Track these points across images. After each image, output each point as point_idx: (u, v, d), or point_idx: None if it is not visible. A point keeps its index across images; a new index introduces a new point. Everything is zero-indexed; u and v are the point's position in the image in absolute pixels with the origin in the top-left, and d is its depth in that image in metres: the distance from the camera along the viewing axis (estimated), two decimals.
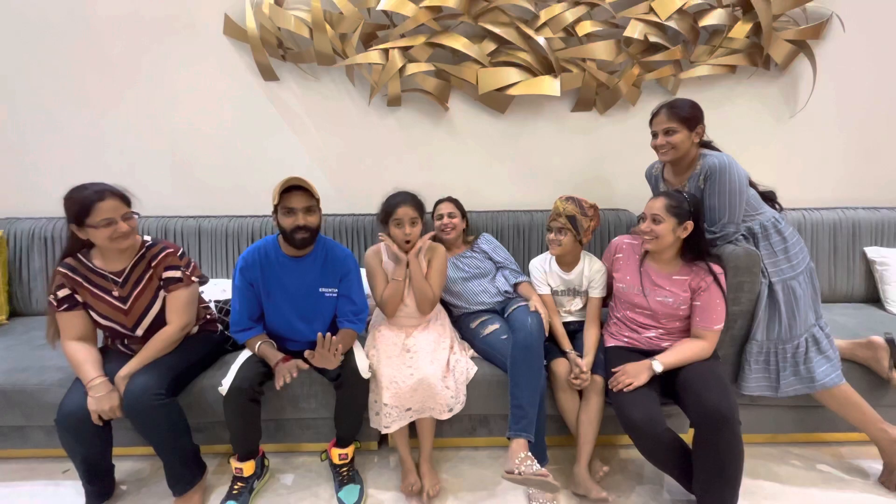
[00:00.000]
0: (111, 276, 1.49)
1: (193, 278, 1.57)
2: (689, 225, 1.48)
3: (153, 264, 1.51)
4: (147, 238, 1.55)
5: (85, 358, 1.45)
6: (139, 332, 1.53)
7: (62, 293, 1.46)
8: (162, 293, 1.53)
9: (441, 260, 1.77)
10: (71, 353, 1.46)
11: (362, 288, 1.67)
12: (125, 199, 1.45)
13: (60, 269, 1.46)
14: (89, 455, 1.45)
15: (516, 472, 1.37)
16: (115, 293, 1.49)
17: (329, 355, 1.45)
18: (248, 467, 1.54)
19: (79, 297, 1.48)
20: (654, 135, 1.64)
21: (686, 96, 1.65)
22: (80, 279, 1.47)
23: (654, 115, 1.64)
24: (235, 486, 1.54)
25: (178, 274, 1.53)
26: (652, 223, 1.49)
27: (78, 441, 1.41)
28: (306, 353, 1.47)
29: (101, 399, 1.38)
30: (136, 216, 1.46)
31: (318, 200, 1.54)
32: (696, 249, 1.51)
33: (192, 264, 1.58)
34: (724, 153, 1.60)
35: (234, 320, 1.58)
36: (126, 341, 1.55)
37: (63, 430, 1.39)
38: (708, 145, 1.67)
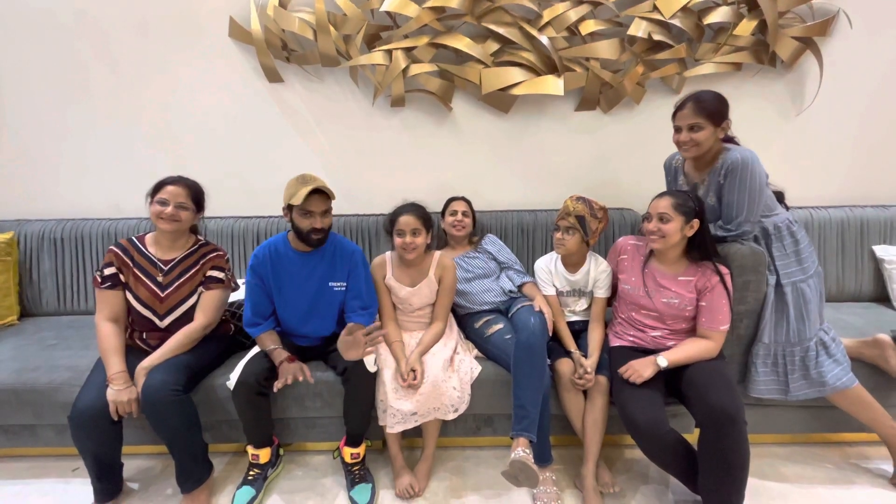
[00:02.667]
0: (159, 262, 1.58)
1: (232, 284, 1.66)
2: (696, 223, 1.47)
3: (202, 262, 1.60)
4: (202, 238, 1.66)
5: (114, 347, 1.49)
6: (166, 322, 1.58)
7: (108, 271, 1.55)
8: (199, 289, 1.60)
9: (451, 277, 1.76)
10: (103, 337, 1.50)
11: (370, 282, 1.70)
12: (193, 194, 1.58)
13: (113, 248, 1.57)
14: (101, 452, 1.47)
15: (508, 465, 1.39)
16: (159, 279, 1.56)
17: (359, 341, 1.43)
18: (263, 454, 1.58)
19: (122, 278, 1.55)
20: (678, 129, 1.56)
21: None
22: (128, 260, 1.56)
23: (679, 108, 1.56)
24: (251, 473, 1.58)
25: (221, 275, 1.62)
26: (659, 222, 1.47)
27: (90, 438, 1.43)
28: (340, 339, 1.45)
29: (121, 391, 1.42)
30: (192, 211, 1.58)
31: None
32: (702, 249, 1.50)
33: (232, 272, 1.67)
34: (747, 149, 1.54)
35: (246, 316, 1.62)
36: (146, 336, 1.59)
37: (76, 427, 1.42)
38: (731, 140, 1.61)
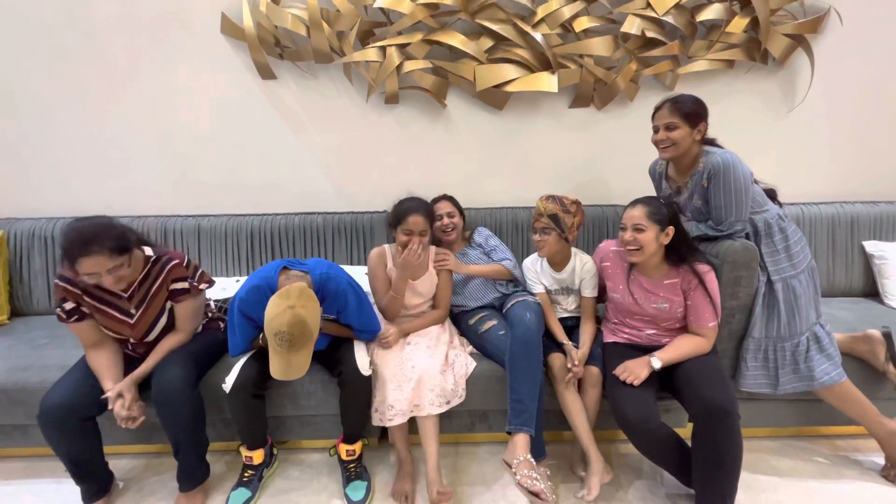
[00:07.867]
0: (119, 291, 1.46)
1: (201, 286, 1.56)
2: (671, 230, 1.46)
3: (162, 276, 1.49)
4: (149, 252, 1.49)
5: (102, 366, 1.46)
6: (148, 339, 1.55)
7: (68, 306, 1.43)
8: (168, 304, 1.54)
9: (448, 274, 1.77)
10: (90, 363, 1.47)
11: (364, 310, 1.61)
12: (117, 249, 1.32)
13: (59, 283, 1.41)
14: (75, 452, 1.43)
15: (517, 475, 1.37)
16: (123, 307, 1.48)
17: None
18: (257, 456, 1.57)
19: (84, 309, 1.45)
20: (655, 129, 1.61)
21: (684, 91, 1.64)
22: (79, 292, 1.43)
23: (657, 109, 1.61)
24: (246, 474, 1.57)
25: (185, 285, 1.51)
26: (634, 232, 1.46)
27: (61, 438, 1.40)
28: None
29: (119, 410, 1.39)
30: (124, 264, 1.36)
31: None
32: (680, 252, 1.49)
33: (200, 271, 1.56)
34: (728, 151, 1.57)
35: (231, 345, 1.56)
36: (131, 347, 1.56)
37: (45, 426, 1.38)
38: (712, 143, 1.64)
